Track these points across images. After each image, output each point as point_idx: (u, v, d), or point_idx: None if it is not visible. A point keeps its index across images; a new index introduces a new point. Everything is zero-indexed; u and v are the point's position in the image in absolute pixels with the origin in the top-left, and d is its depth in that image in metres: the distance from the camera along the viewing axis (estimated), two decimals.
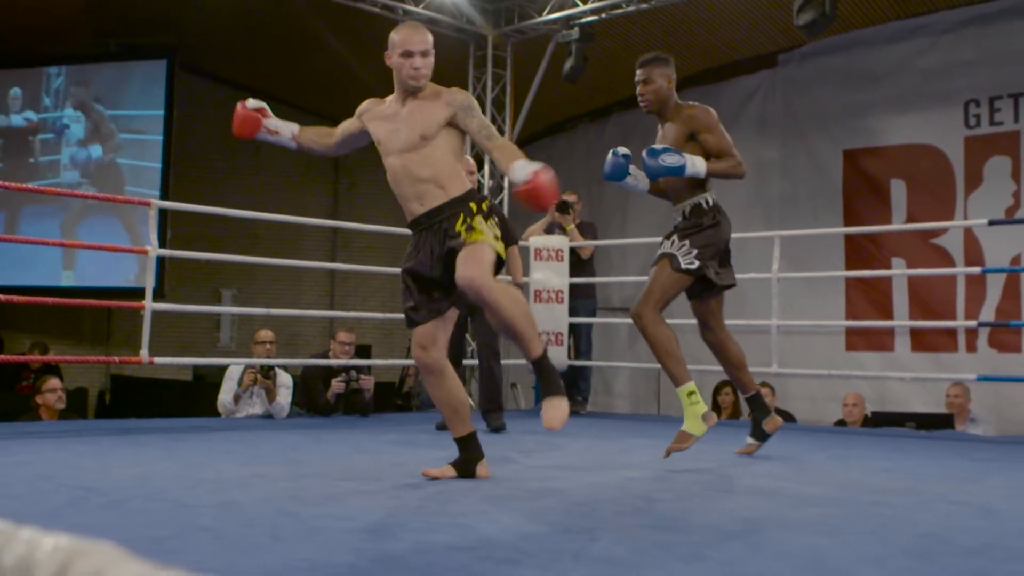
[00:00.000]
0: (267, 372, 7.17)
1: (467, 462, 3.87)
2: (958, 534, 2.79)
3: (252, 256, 10.86)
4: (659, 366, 4.49)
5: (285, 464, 4.29)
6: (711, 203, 4.57)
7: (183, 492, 3.33)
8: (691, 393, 4.38)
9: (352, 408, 7.45)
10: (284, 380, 7.42)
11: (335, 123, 4.08)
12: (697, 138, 4.58)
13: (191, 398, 9.30)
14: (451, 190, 3.74)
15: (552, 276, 8.16)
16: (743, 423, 7.84)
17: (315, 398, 7.44)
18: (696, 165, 4.43)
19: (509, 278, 6.73)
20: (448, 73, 11.10)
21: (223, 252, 9.71)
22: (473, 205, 3.71)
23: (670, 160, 4.37)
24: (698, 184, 4.57)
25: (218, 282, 13.78)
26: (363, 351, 10.77)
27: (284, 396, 7.32)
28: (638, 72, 4.71)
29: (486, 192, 10.78)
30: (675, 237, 4.52)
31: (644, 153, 4.41)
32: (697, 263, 4.44)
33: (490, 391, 6.58)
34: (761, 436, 4.81)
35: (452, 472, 3.83)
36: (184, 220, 11.78)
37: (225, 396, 7.32)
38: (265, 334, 7.69)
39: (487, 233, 3.65)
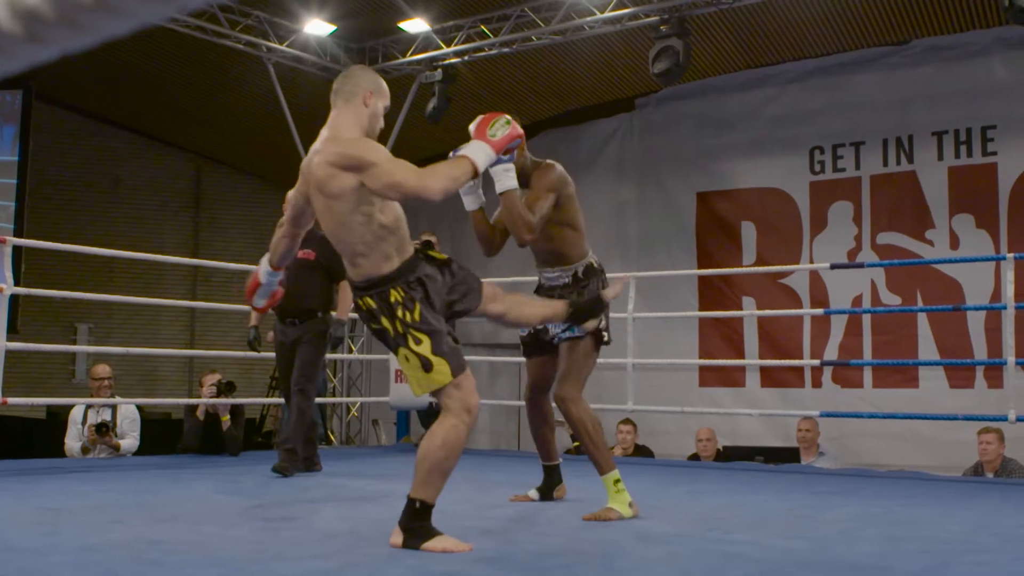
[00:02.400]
0: (102, 430, 7.00)
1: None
2: (794, 569, 2.98)
3: (110, 290, 10.69)
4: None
5: (144, 508, 4.27)
6: (598, 263, 4.41)
7: (38, 539, 3.30)
8: (617, 481, 4.12)
9: (222, 448, 7.24)
10: (128, 412, 7.29)
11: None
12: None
13: (44, 437, 9.04)
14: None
15: None
16: (637, 460, 8.01)
17: (190, 434, 7.26)
18: (509, 176, 3.99)
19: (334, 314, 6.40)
20: (314, 112, 11.14)
21: (80, 285, 9.54)
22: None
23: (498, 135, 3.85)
24: (578, 244, 4.35)
25: (74, 316, 13.44)
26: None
27: (130, 428, 7.21)
28: None
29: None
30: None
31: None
32: (607, 334, 4.31)
33: (288, 429, 6.08)
34: (546, 498, 4.66)
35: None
36: (40, 253, 11.49)
37: (72, 443, 7.14)
38: (101, 370, 7.33)
39: None
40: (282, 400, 6.76)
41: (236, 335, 13.63)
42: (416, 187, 3.17)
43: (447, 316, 3.44)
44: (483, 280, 3.62)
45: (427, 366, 3.24)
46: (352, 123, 3.40)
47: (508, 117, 3.43)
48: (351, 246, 3.32)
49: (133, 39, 11.15)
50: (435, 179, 3.20)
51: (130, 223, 13.78)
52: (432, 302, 3.33)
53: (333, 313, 6.37)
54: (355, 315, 8.73)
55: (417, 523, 3.19)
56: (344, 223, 3.30)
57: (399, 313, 3.26)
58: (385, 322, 3.30)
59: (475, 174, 3.32)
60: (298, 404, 6.05)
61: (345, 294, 6.36)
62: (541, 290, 4.43)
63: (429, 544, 3.13)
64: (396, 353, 3.32)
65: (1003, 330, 6.77)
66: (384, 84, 3.55)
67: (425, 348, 3.24)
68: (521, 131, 3.43)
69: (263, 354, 6.74)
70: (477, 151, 3.33)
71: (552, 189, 4.21)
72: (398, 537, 3.20)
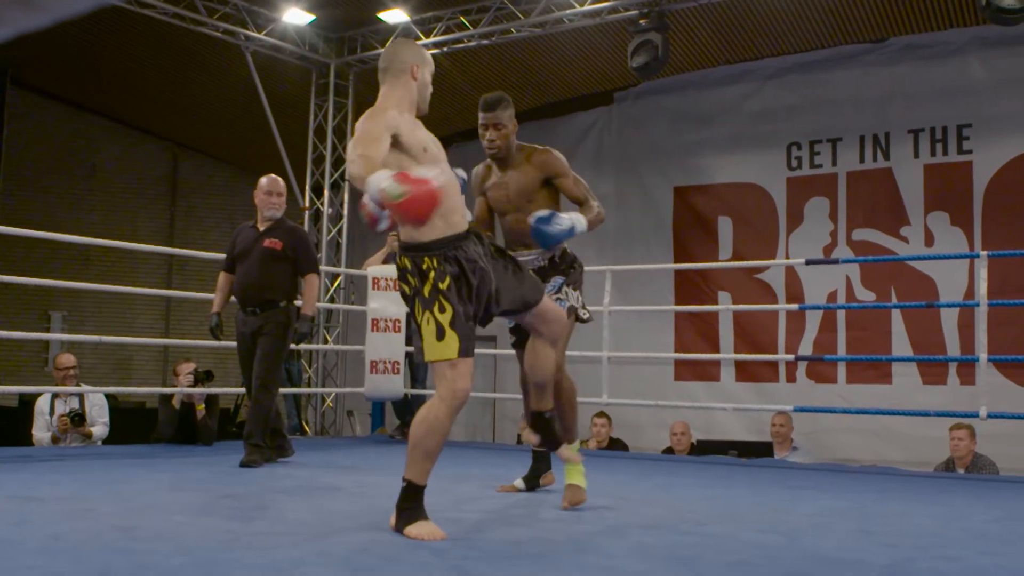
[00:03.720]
0: (76, 420, 6.94)
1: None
2: (764, 562, 2.99)
3: (84, 277, 10.65)
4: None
5: (115, 497, 4.24)
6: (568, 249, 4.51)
7: (7, 528, 3.27)
8: (578, 447, 4.30)
9: (196, 438, 7.19)
10: (95, 400, 7.25)
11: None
12: (554, 182, 4.39)
13: (16, 425, 8.98)
14: None
15: (389, 305, 8.22)
16: (611, 453, 8.01)
17: (164, 423, 7.20)
18: (578, 222, 4.13)
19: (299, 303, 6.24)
20: (290, 100, 11.11)
21: (54, 273, 9.47)
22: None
23: (564, 225, 4.07)
24: None
25: (48, 304, 13.35)
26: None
27: (99, 415, 7.17)
28: (486, 115, 4.40)
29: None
30: (567, 288, 4.36)
31: (534, 222, 4.07)
32: (587, 313, 4.43)
33: (249, 424, 5.95)
34: (532, 486, 4.73)
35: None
36: (13, 240, 11.41)
37: (41, 434, 7.07)
38: (66, 359, 7.23)
39: None
40: None
41: None
42: (348, 166, 3.25)
43: (505, 310, 3.58)
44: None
45: (440, 335, 3.32)
46: (401, 97, 3.53)
47: (404, 191, 2.99)
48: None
49: (110, 26, 11.11)
50: (355, 165, 3.18)
51: (105, 211, 13.70)
52: (469, 282, 3.38)
53: (298, 303, 6.23)
54: (328, 305, 8.63)
55: (406, 504, 3.26)
56: None
57: (431, 278, 3.34)
58: (415, 281, 3.37)
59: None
60: (257, 398, 5.95)
61: (310, 289, 6.18)
62: None
63: (409, 528, 3.19)
64: (421, 316, 3.36)
65: (976, 327, 6.81)
66: (427, 53, 3.69)
67: (446, 318, 3.32)
68: (420, 216, 3.09)
69: (227, 343, 6.63)
70: (379, 178, 3.06)
71: (569, 168, 4.46)
72: (393, 518, 3.29)
